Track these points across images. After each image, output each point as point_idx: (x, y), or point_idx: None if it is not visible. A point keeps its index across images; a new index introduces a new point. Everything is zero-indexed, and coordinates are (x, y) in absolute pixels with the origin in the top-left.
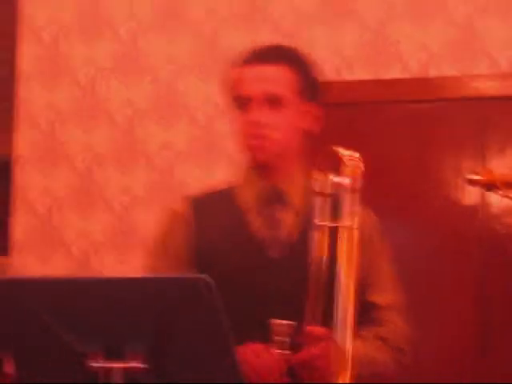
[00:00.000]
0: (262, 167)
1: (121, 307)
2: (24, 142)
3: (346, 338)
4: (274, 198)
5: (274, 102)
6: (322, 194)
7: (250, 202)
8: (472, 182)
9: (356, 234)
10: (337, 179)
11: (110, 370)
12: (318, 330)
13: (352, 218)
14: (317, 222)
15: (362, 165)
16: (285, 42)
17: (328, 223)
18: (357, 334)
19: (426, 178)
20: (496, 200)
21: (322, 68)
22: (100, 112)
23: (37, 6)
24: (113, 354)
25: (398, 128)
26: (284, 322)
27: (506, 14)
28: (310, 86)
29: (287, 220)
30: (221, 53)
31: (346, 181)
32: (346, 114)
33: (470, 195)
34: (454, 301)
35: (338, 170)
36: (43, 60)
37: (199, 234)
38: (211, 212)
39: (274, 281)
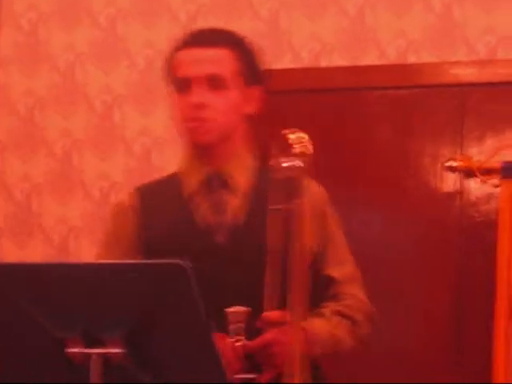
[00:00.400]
0: (204, 150)
1: (99, 292)
2: (2, 128)
3: (301, 318)
4: (219, 182)
5: (214, 83)
6: (273, 178)
7: (194, 188)
8: (450, 169)
9: (306, 212)
10: (286, 163)
11: (88, 355)
12: (273, 315)
13: (301, 198)
14: (270, 206)
15: (310, 146)
16: (265, 28)
17: (281, 206)
18: (315, 312)
19: (405, 164)
20: (474, 186)
21: (301, 54)
22: (79, 98)
23: None
24: (91, 340)
25: (376, 114)
26: (238, 308)
27: (484, 1)
28: (252, 69)
29: (233, 203)
30: None
31: (296, 163)
32: (324, 99)
33: (449, 182)
34: (433, 287)
35: (288, 153)
36: (22, 46)
37: (146, 224)
38: (157, 201)
39: (223, 266)
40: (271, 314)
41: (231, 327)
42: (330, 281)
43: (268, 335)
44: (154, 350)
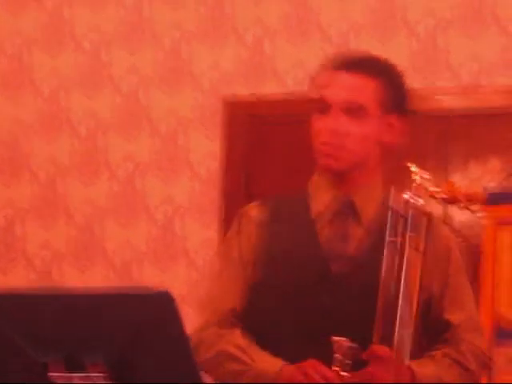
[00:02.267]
0: (334, 176)
1: (84, 319)
2: None
3: (405, 356)
4: (346, 210)
5: (354, 111)
6: (395, 211)
7: (321, 211)
8: (434, 195)
9: (420, 255)
10: (411, 199)
11: (70, 379)
12: (381, 349)
13: (420, 238)
14: (388, 238)
15: (432, 186)
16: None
17: (397, 239)
18: (427, 354)
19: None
20: (458, 212)
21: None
22: (63, 123)
23: None
24: (73, 365)
25: None
26: (345, 340)
27: (467, 28)
28: (397, 98)
29: (356, 234)
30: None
31: (419, 202)
32: None
33: (432, 208)
34: None
35: (411, 187)
36: (6, 71)
37: (272, 239)
38: (285, 218)
39: (335, 297)
40: (379, 348)
41: (336, 356)
42: (447, 325)
43: (372, 369)
44: (137, 376)
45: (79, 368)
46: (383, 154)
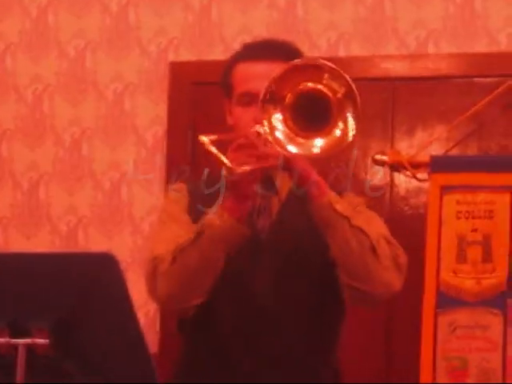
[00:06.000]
0: None
1: (26, 283)
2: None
3: None
4: (266, 185)
5: None
6: None
7: None
8: (379, 162)
9: None
10: None
11: (14, 345)
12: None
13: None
14: None
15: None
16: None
17: None
18: None
19: (334, 157)
20: (404, 180)
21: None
22: (46, 129)
23: None
24: (18, 330)
25: None
26: None
27: None
28: None
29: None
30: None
31: None
32: None
33: (378, 175)
34: None
35: None
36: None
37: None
38: (203, 195)
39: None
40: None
41: None
42: None
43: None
44: (81, 341)
45: (24, 333)
46: None
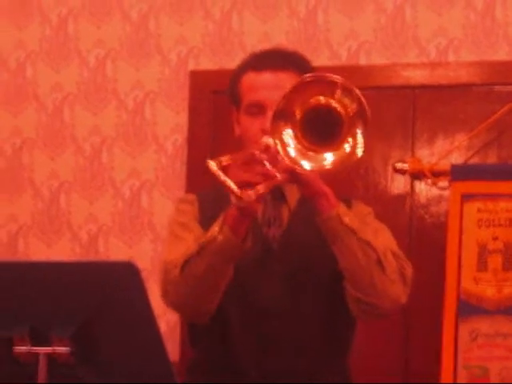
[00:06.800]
0: None
1: (48, 292)
2: None
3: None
4: (276, 195)
5: None
6: None
7: None
8: (400, 171)
9: None
10: None
11: (35, 354)
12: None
13: None
14: None
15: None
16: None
17: None
18: None
19: (355, 166)
20: (424, 188)
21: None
22: (67, 139)
23: None
24: (38, 339)
25: None
26: None
27: (435, 3)
28: None
29: (285, 215)
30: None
31: None
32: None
33: (399, 184)
34: None
35: None
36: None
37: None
38: (213, 207)
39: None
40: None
41: None
42: None
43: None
44: (102, 349)
45: (44, 342)
46: None
